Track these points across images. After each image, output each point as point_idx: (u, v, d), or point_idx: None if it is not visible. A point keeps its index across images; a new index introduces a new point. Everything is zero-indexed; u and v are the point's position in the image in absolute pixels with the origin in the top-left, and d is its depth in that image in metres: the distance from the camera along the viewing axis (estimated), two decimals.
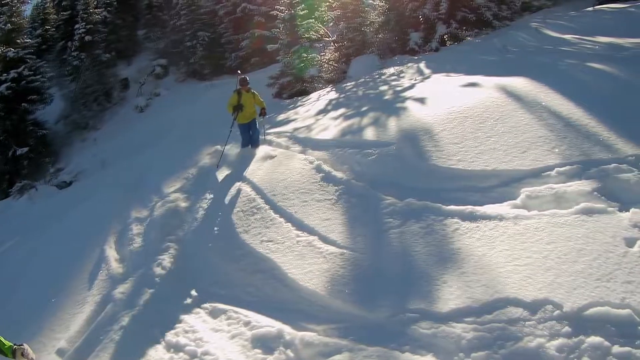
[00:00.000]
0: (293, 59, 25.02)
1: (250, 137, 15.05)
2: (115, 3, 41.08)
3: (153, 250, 10.80)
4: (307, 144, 12.61)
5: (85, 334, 8.70)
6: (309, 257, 8.26)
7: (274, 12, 26.42)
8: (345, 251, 8.04)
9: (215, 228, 10.58)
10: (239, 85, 14.83)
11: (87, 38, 35.84)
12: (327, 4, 27.02)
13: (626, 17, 18.37)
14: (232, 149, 15.37)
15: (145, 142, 24.35)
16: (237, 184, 11.90)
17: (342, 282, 7.49)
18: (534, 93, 10.33)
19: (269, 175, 11.66)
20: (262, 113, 15.41)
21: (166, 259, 10.28)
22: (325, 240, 8.53)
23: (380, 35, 25.53)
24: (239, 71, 15.74)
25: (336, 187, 9.81)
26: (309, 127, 14.18)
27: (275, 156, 12.73)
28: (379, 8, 26.21)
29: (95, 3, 37.39)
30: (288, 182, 10.85)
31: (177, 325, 8.10)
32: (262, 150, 14.11)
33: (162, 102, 33.83)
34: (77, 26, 36.52)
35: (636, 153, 7.69)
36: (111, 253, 11.71)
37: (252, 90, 15.05)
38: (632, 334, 5.16)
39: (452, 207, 7.95)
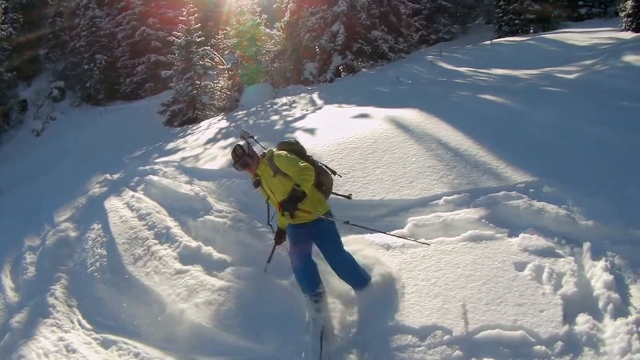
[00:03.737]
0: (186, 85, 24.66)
1: (335, 263, 6.81)
2: (21, 19, 39.79)
3: (46, 280, 10.65)
4: (194, 174, 12.31)
5: None
6: (194, 290, 8.14)
7: (171, 38, 26.05)
8: (231, 284, 8.00)
9: (103, 259, 10.26)
10: (236, 163, 7.13)
11: None
12: (224, 31, 26.78)
13: (524, 50, 18.83)
14: None
15: (41, 168, 23.80)
16: (122, 214, 11.65)
17: (228, 315, 7.43)
18: (424, 124, 10.39)
19: (153, 205, 11.45)
20: (292, 201, 6.51)
21: (58, 289, 10.08)
22: (210, 273, 8.43)
23: (275, 65, 25.44)
24: (244, 128, 8.89)
25: (223, 220, 9.64)
26: (196, 157, 13.86)
27: None
28: (276, 37, 26.21)
29: (2, 18, 36.10)
30: (173, 215, 10.77)
31: (71, 355, 8.02)
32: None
33: (57, 127, 33.03)
34: None
35: (526, 180, 7.78)
36: (7, 282, 11.66)
37: (272, 150, 7.23)
38: (527, 353, 5.24)
39: None
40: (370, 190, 8.69)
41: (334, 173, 7.62)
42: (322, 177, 7.39)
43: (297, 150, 7.37)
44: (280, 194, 6.86)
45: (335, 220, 7.00)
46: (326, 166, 7.64)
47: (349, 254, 6.83)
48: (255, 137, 8.01)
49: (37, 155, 27.94)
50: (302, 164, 6.75)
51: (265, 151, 7.27)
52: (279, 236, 7.68)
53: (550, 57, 16.60)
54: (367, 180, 8.99)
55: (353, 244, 7.45)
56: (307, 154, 7.61)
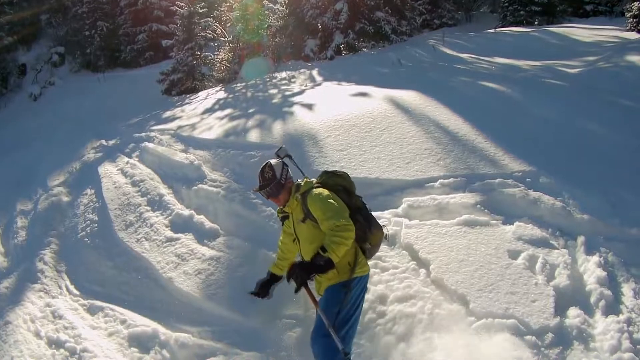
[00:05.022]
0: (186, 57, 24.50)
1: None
2: None
3: (36, 245, 10.54)
4: (190, 142, 12.17)
5: None
6: (184, 258, 8.04)
7: (174, 8, 25.83)
8: (221, 254, 7.88)
9: (94, 225, 10.17)
10: (261, 189, 5.74)
11: None
12: (228, 4, 26.62)
13: (527, 41, 18.77)
14: None
15: (37, 132, 23.80)
16: (116, 180, 11.55)
17: (217, 285, 7.34)
18: (423, 106, 10.38)
19: (147, 172, 11.34)
20: (305, 270, 5.12)
21: (47, 254, 9.98)
22: (201, 242, 8.29)
23: (277, 39, 25.31)
24: (284, 145, 6.73)
25: (217, 189, 9.50)
26: (193, 126, 13.72)
27: None
28: (279, 12, 26.05)
29: None
30: (167, 183, 10.67)
31: (58, 321, 7.86)
32: None
33: (55, 92, 32.89)
34: None
35: (523, 169, 7.81)
36: None
37: (311, 182, 5.76)
38: (518, 342, 5.22)
39: None
40: (366, 168, 8.63)
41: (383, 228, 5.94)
42: (370, 231, 5.61)
43: (343, 187, 5.75)
44: (306, 245, 5.51)
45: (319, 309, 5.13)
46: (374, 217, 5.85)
47: (326, 347, 4.95)
48: (293, 157, 6.48)
49: (34, 119, 27.75)
50: (340, 220, 5.03)
51: (302, 182, 5.76)
52: (263, 287, 6.35)
53: (553, 50, 16.53)
54: (363, 158, 8.93)
55: None
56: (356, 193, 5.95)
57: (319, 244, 5.05)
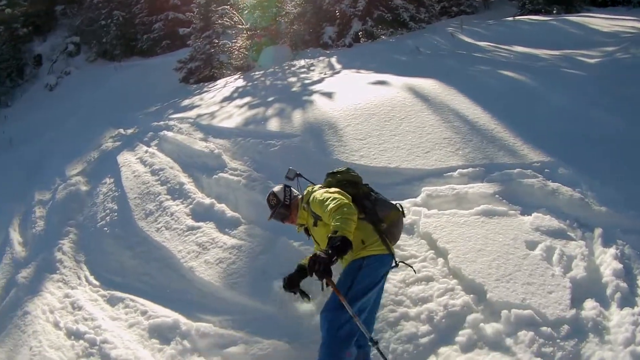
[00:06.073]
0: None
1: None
2: None
3: (54, 235, 10.62)
4: (210, 131, 12.16)
5: None
6: (205, 247, 8.05)
7: None
8: (242, 243, 7.90)
9: (114, 214, 10.21)
10: (272, 217, 6.15)
11: (7, 11, 34.12)
12: None
13: (546, 30, 18.59)
14: None
15: (53, 122, 23.78)
16: (135, 169, 11.59)
17: (238, 273, 7.34)
18: (442, 95, 10.37)
19: (167, 161, 11.40)
20: (323, 259, 4.55)
21: (66, 244, 10.07)
22: (222, 231, 8.32)
23: (294, 27, 25.26)
24: (290, 168, 6.83)
25: (237, 178, 9.52)
26: (212, 114, 13.71)
27: None
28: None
29: None
30: (187, 171, 10.69)
31: (77, 312, 7.87)
32: None
33: (71, 82, 32.80)
34: None
35: (542, 160, 7.81)
36: (15, 236, 11.72)
37: (311, 187, 5.88)
38: (534, 333, 5.22)
39: None
40: (385, 157, 8.66)
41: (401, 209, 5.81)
42: (382, 212, 5.58)
43: (347, 180, 5.80)
44: (323, 244, 5.20)
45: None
46: (387, 200, 5.82)
47: (332, 319, 4.89)
48: (303, 176, 6.73)
49: (50, 109, 27.79)
50: (332, 203, 5.06)
51: (305, 192, 5.88)
52: (291, 281, 6.21)
53: (571, 39, 16.31)
54: (383, 147, 8.95)
55: None
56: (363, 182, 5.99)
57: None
